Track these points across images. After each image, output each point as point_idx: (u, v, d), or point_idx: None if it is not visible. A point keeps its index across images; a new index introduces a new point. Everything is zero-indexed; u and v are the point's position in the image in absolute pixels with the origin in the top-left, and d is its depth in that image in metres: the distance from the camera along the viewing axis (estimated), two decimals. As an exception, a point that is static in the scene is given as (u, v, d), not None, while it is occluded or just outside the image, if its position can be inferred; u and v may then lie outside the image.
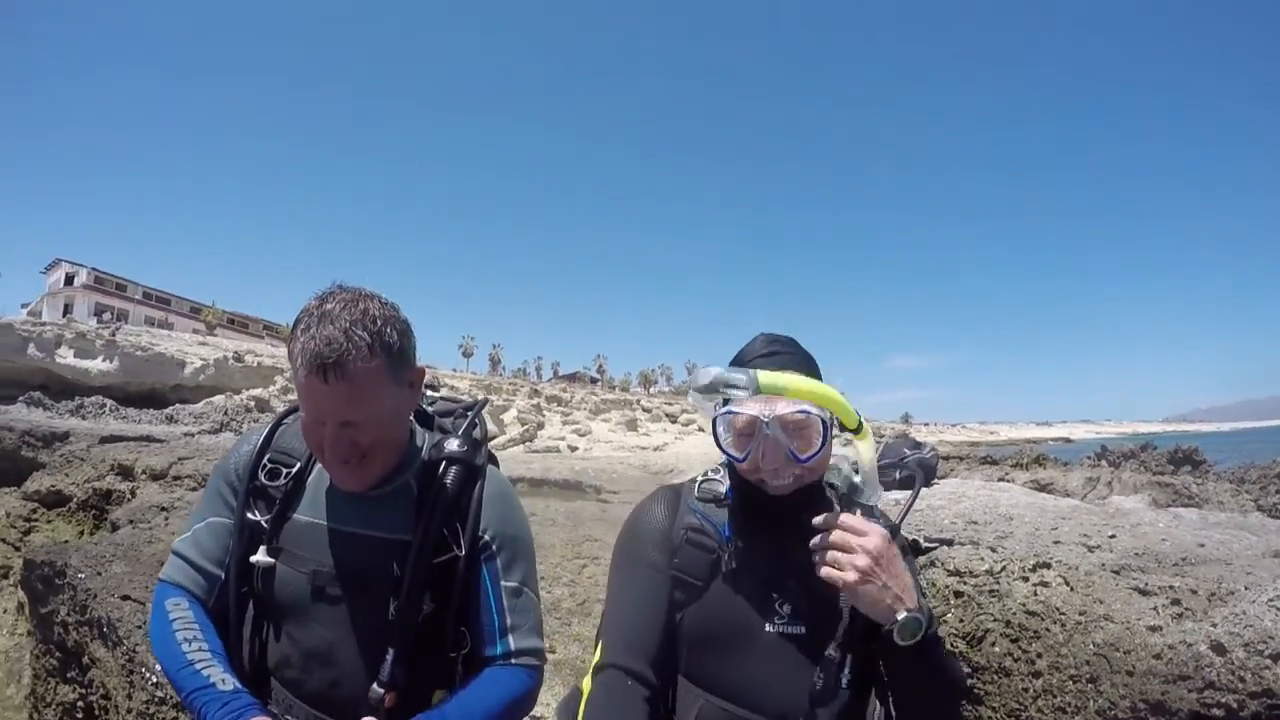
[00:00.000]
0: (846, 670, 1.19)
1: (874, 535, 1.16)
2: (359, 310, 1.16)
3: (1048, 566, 2.27)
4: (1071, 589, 2.06)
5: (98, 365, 32.37)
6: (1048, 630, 1.91)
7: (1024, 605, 2.06)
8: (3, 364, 29.78)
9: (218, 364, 35.13)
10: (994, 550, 2.55)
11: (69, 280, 56.69)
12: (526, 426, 38.98)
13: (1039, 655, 1.87)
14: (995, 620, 2.10)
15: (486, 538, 1.30)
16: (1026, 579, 2.24)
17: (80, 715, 3.38)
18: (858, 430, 1.24)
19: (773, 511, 1.25)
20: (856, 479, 1.25)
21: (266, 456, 1.32)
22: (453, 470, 1.29)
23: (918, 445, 4.93)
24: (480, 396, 1.61)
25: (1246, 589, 1.59)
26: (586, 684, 1.24)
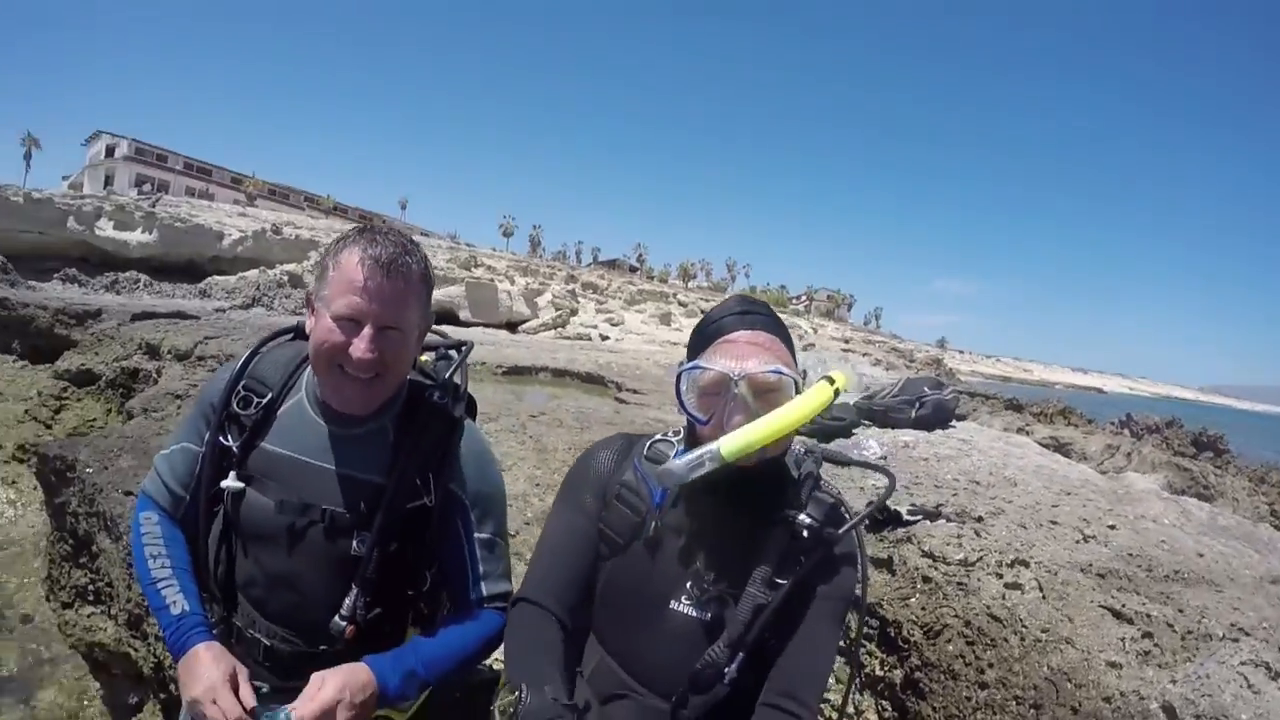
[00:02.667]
0: (733, 668, 1.14)
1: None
2: (411, 242, 1.28)
3: (1025, 565, 2.16)
4: (1044, 596, 1.96)
5: (137, 237, 32.61)
6: (1005, 641, 1.82)
7: (989, 608, 1.98)
8: (43, 238, 30.06)
9: (256, 236, 34.86)
10: (976, 535, 2.45)
11: (109, 152, 56.62)
12: (560, 312, 38.87)
13: (990, 665, 1.79)
14: (956, 617, 2.03)
15: (459, 492, 1.33)
16: (1000, 575, 2.14)
17: (90, 598, 3.62)
18: (835, 396, 1.16)
19: (722, 487, 1.17)
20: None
21: (241, 384, 1.34)
22: (433, 421, 1.32)
23: (939, 385, 4.73)
24: (465, 340, 1.58)
25: (1224, 637, 1.46)
26: None
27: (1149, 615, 1.67)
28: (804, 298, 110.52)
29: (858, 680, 2.23)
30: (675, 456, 1.18)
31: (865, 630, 2.34)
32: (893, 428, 4.42)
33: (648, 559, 1.21)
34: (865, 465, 1.94)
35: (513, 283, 40.99)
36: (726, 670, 1.14)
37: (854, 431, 4.35)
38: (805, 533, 1.16)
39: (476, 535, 1.35)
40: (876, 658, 2.20)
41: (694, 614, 1.19)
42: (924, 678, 1.95)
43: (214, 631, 1.28)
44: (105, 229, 32.51)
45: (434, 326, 1.50)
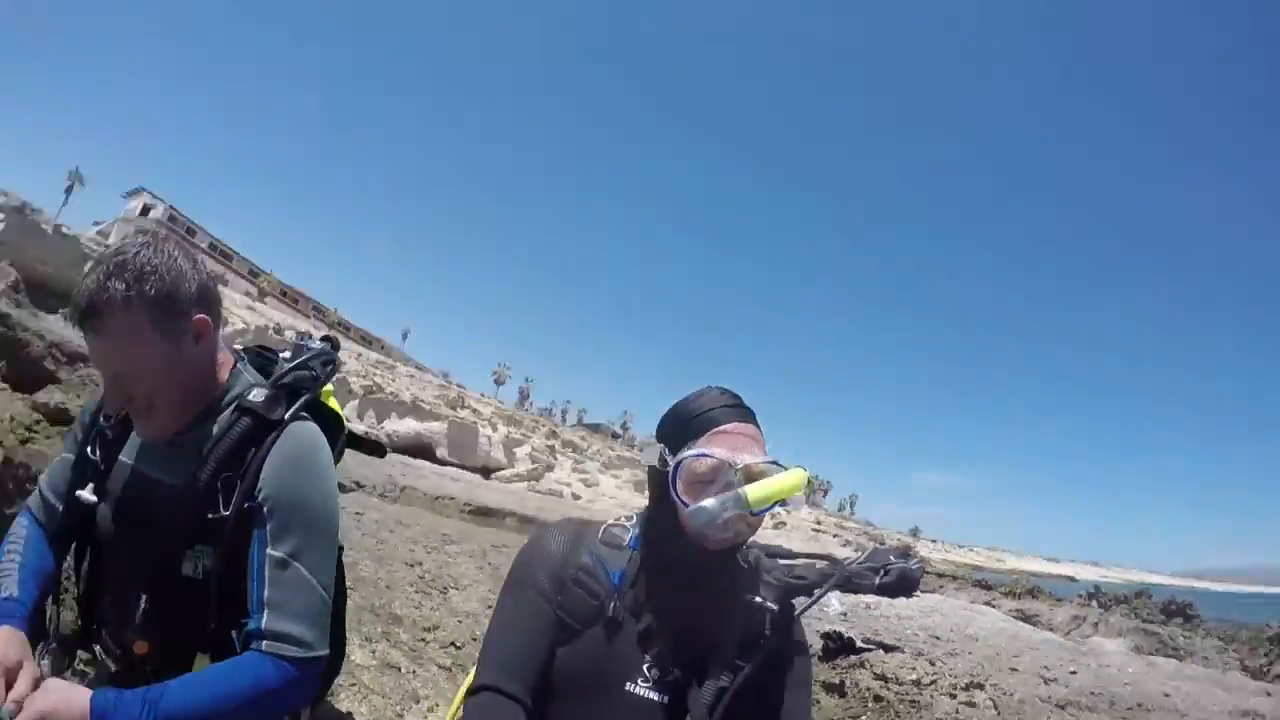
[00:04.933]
0: None
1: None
2: (128, 257, 1.12)
3: (980, 688, 2.15)
4: (999, 715, 1.95)
5: (147, 303, 33.23)
6: (955, 754, 1.79)
7: (940, 723, 1.95)
8: (58, 274, 30.83)
9: (258, 332, 35.02)
10: (932, 664, 2.44)
11: (144, 211, 59.06)
12: (536, 465, 38.41)
13: (939, 779, 1.75)
14: (908, 733, 1.99)
15: (260, 499, 1.16)
16: (953, 695, 2.12)
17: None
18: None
19: (680, 569, 1.19)
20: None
21: None
22: (239, 420, 1.20)
23: (905, 555, 4.75)
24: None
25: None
26: (457, 700, 1.18)
27: (1099, 735, 1.67)
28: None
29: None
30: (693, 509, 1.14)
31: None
32: (855, 593, 4.38)
33: (604, 642, 1.17)
34: (809, 556, 1.95)
35: (495, 429, 40.79)
36: None
37: (814, 590, 4.34)
38: (765, 615, 1.18)
39: (269, 552, 1.14)
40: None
41: (653, 696, 1.15)
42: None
43: (76, 634, 1.21)
44: (118, 286, 33.06)
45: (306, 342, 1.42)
